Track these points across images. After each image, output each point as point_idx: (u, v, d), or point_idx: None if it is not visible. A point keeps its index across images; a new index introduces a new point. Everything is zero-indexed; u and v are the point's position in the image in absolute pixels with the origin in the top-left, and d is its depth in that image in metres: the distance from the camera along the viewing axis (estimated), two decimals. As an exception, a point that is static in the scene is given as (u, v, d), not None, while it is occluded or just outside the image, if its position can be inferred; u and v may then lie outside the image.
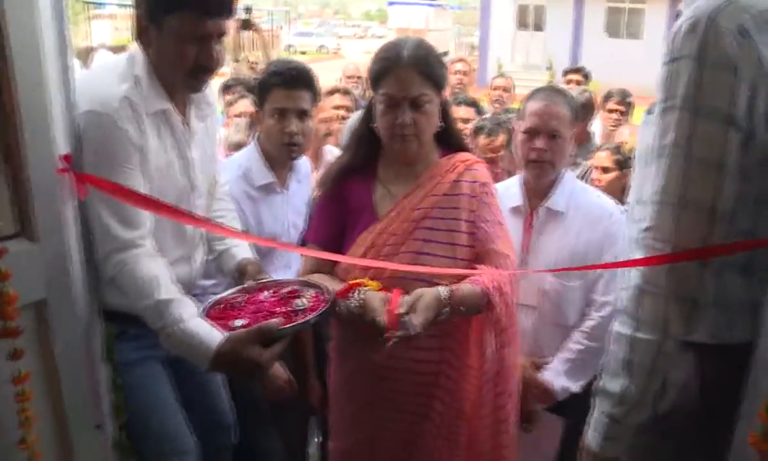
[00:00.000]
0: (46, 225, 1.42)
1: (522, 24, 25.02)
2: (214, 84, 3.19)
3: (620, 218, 2.28)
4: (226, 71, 6.62)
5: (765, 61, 1.21)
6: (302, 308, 1.72)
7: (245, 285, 1.87)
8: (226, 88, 4.57)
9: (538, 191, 2.36)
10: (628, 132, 4.51)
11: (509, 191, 2.42)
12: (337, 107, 3.97)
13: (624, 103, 4.77)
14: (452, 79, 5.24)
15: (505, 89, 5.27)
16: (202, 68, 1.77)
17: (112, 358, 1.72)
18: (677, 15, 1.37)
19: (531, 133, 2.30)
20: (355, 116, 2.96)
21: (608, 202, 2.39)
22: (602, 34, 23.94)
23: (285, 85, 2.36)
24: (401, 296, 1.76)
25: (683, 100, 1.26)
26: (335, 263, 1.97)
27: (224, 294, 1.85)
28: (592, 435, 1.48)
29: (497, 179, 2.47)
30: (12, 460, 1.36)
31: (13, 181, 1.38)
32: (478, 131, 3.32)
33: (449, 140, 2.03)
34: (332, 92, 3.83)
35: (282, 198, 2.50)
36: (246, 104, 4.26)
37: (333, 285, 1.87)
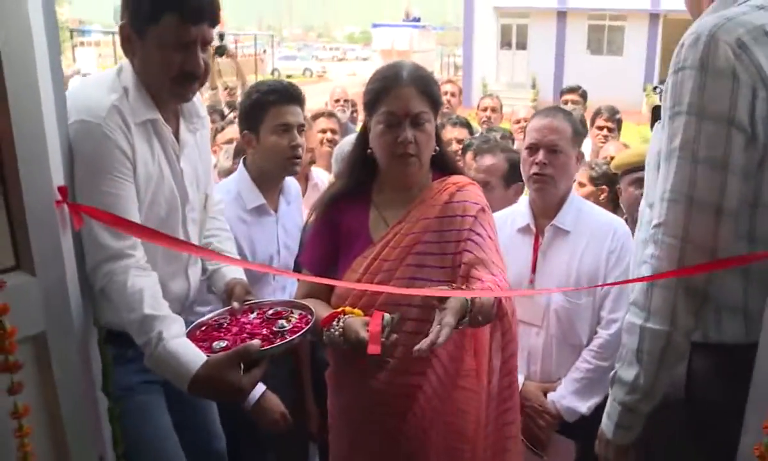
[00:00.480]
0: (44, 258, 1.41)
1: (505, 43, 25.32)
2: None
3: (626, 231, 2.31)
4: (204, 98, 6.63)
5: (762, 70, 1.31)
6: (284, 329, 1.71)
7: (231, 306, 1.86)
8: None
9: (545, 211, 2.38)
10: (614, 149, 4.56)
11: (518, 211, 2.46)
12: (323, 131, 4.02)
13: (613, 120, 4.83)
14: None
15: (494, 109, 5.32)
16: (188, 75, 1.76)
17: (109, 388, 1.70)
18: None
19: (532, 148, 2.34)
20: (345, 142, 2.98)
21: (615, 219, 2.41)
22: (584, 51, 24.27)
23: (284, 102, 2.41)
24: (382, 316, 1.76)
25: (689, 105, 1.36)
26: (330, 287, 1.97)
27: (211, 315, 1.85)
28: (606, 422, 1.57)
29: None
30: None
31: (10, 214, 1.37)
32: (465, 149, 3.36)
33: (443, 164, 2.03)
34: (317, 117, 3.88)
35: (273, 220, 2.52)
36: (235, 130, 4.28)
37: (323, 310, 1.87)
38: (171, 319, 1.63)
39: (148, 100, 1.77)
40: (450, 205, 1.93)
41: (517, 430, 2.02)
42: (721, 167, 1.34)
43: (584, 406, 2.26)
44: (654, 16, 23.18)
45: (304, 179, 3.15)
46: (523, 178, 2.45)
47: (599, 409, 1.60)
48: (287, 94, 2.44)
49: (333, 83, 16.82)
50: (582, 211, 2.37)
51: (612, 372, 1.57)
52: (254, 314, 1.84)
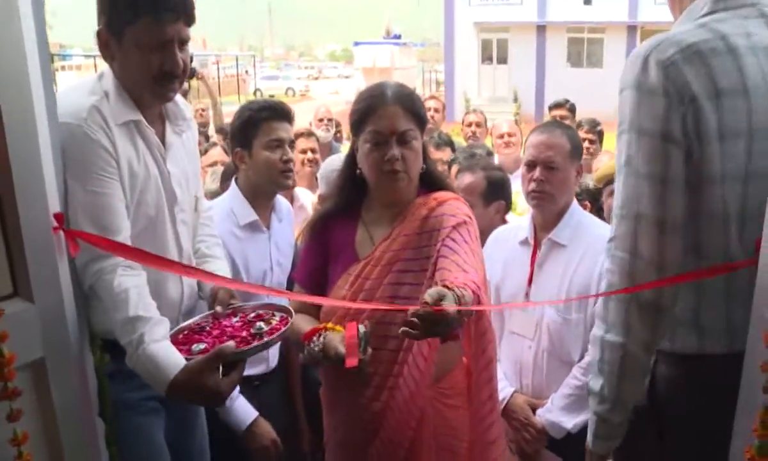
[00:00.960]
0: (42, 284, 1.42)
1: (486, 58, 25.53)
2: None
3: None
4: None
5: (689, 87, 1.37)
6: (263, 331, 1.73)
7: (215, 310, 1.88)
8: None
9: (545, 224, 2.41)
10: (608, 158, 4.59)
11: (521, 225, 2.51)
12: (303, 150, 4.08)
13: (594, 131, 4.89)
14: (425, 117, 5.32)
15: (478, 124, 5.36)
16: (168, 74, 1.78)
17: (106, 414, 1.70)
18: None
19: (529, 165, 2.38)
20: (331, 160, 3.01)
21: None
22: (564, 64, 24.51)
23: (277, 118, 2.49)
24: (357, 326, 1.78)
25: (630, 123, 1.43)
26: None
27: (194, 319, 1.88)
28: (588, 432, 1.62)
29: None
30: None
31: (7, 242, 1.38)
32: (450, 164, 3.40)
33: (431, 181, 2.04)
34: (296, 137, 3.93)
35: (266, 237, 2.56)
36: (219, 152, 4.31)
37: (307, 325, 1.91)
38: (155, 321, 1.65)
39: (129, 102, 1.79)
40: (428, 220, 1.93)
41: (498, 452, 2.00)
42: (660, 182, 1.39)
43: (570, 422, 2.27)
44: (632, 28, 23.48)
45: (290, 200, 3.19)
46: (523, 193, 2.48)
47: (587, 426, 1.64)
48: (278, 112, 2.52)
49: (316, 102, 16.86)
50: (581, 225, 2.39)
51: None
52: (237, 318, 1.86)
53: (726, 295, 1.43)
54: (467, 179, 2.93)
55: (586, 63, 24.47)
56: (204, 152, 4.24)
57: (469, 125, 5.39)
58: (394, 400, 1.87)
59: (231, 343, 1.64)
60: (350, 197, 2.06)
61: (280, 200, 2.69)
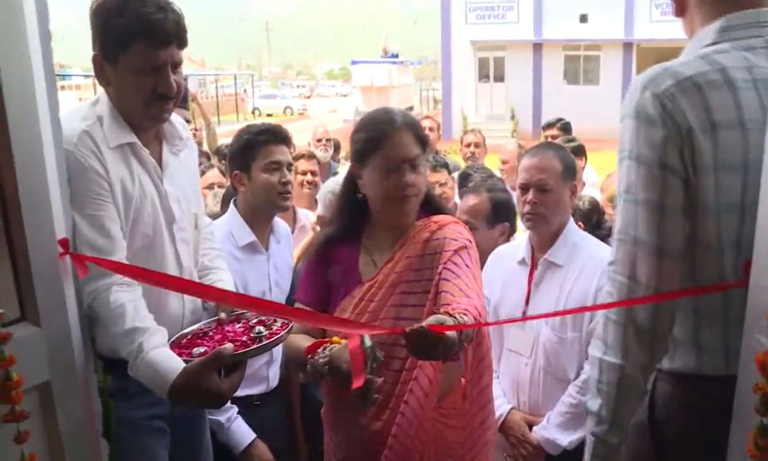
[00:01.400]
0: (48, 308, 1.45)
1: (483, 76, 25.61)
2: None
3: None
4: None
5: (686, 118, 1.39)
6: (262, 335, 1.76)
7: (219, 316, 1.91)
8: None
9: (541, 245, 2.44)
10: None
11: (520, 244, 2.54)
12: (303, 172, 4.10)
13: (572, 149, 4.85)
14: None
15: (477, 145, 5.37)
16: (161, 96, 1.81)
17: (110, 435, 1.72)
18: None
19: (523, 188, 2.42)
20: (332, 182, 3.04)
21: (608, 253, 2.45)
22: (561, 81, 24.61)
23: (276, 141, 2.55)
24: (361, 338, 1.71)
25: (629, 151, 1.45)
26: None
27: (198, 325, 1.91)
28: (585, 453, 1.60)
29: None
30: None
31: (15, 267, 1.41)
32: (462, 182, 3.43)
33: (429, 205, 2.06)
34: (297, 158, 3.96)
35: (264, 258, 2.59)
36: (216, 174, 4.33)
37: (309, 342, 1.90)
38: (152, 331, 1.68)
39: (124, 125, 1.82)
40: (429, 243, 1.95)
41: (494, 435, 2.03)
42: (658, 209, 1.41)
43: (566, 440, 2.29)
44: (627, 45, 23.63)
45: (292, 221, 3.22)
46: (518, 215, 2.51)
47: (584, 443, 1.65)
48: (277, 135, 2.57)
49: (314, 121, 16.91)
50: (577, 246, 2.41)
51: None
52: (240, 324, 1.89)
53: (723, 320, 1.45)
54: (471, 200, 2.92)
55: (583, 80, 24.60)
56: (201, 173, 4.25)
57: (468, 145, 5.41)
58: (399, 420, 1.87)
59: (229, 345, 1.67)
60: (352, 222, 2.07)
61: (279, 221, 2.73)
